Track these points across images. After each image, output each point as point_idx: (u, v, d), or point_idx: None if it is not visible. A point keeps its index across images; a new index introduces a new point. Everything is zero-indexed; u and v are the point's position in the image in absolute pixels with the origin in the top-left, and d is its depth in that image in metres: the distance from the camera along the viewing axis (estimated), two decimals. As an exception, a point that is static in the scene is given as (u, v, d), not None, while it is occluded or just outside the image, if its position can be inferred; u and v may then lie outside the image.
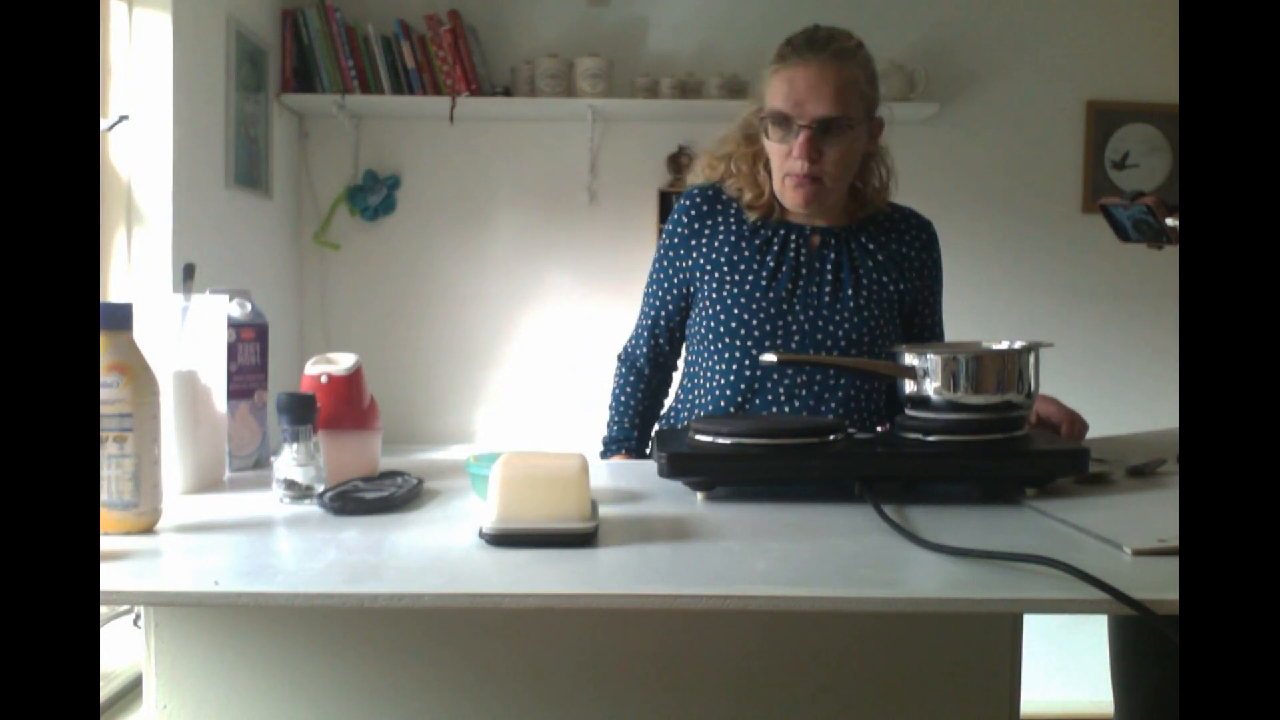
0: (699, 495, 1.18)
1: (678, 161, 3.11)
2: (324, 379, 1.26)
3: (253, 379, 1.37)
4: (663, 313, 1.68)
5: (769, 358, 1.30)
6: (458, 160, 3.11)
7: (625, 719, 1.18)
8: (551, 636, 1.17)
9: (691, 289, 1.64)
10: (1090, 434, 1.48)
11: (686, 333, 1.68)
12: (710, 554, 0.95)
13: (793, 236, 1.59)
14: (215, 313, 1.29)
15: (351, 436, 1.27)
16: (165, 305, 1.30)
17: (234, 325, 1.33)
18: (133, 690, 1.95)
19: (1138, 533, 0.97)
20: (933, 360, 1.22)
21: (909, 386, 1.26)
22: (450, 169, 3.11)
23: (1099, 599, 0.81)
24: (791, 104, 1.48)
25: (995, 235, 3.16)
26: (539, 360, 3.15)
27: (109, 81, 2.21)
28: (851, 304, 1.56)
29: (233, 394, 1.32)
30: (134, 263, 2.25)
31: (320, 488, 1.15)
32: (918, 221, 1.66)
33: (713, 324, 1.58)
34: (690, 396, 1.66)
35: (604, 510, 1.08)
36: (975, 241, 3.15)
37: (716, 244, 1.61)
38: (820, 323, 1.55)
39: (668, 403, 1.76)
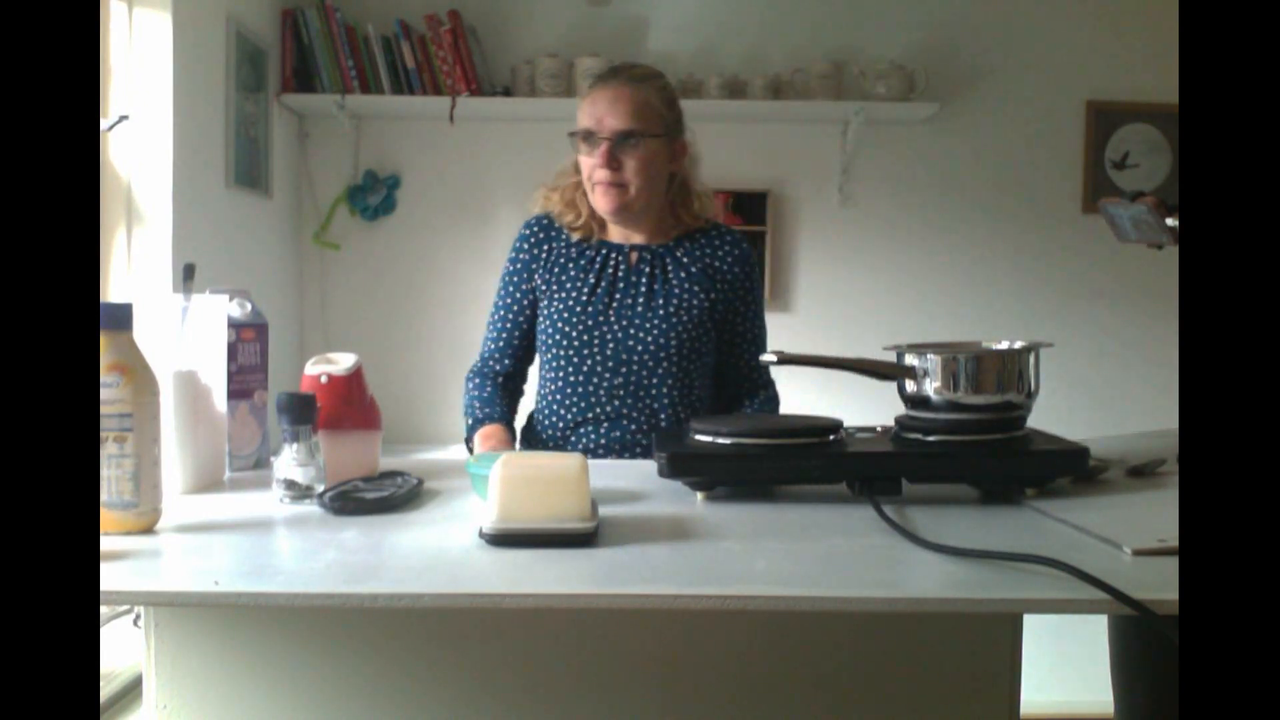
0: (699, 495, 1.18)
1: (678, 161, 3.11)
2: (324, 379, 1.26)
3: (253, 379, 1.37)
4: (516, 331, 1.82)
5: (769, 357, 1.30)
6: (458, 160, 3.11)
7: (625, 719, 1.18)
8: (551, 636, 1.17)
9: (535, 309, 1.81)
10: (1090, 434, 1.48)
11: (536, 345, 1.82)
12: (710, 554, 0.95)
13: (613, 255, 1.77)
14: (215, 313, 1.29)
15: (351, 436, 1.27)
16: (165, 305, 1.30)
17: (234, 325, 1.33)
18: (133, 690, 1.95)
19: (1138, 533, 0.97)
20: (933, 360, 1.22)
21: (909, 386, 1.26)
22: (450, 169, 3.11)
23: (1099, 599, 0.81)
24: (594, 121, 1.69)
25: (995, 235, 3.16)
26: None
27: (109, 81, 2.21)
28: (661, 313, 1.72)
29: (233, 394, 1.32)
30: (134, 263, 2.25)
31: (320, 488, 1.15)
32: (731, 239, 1.81)
33: (544, 336, 1.77)
34: (541, 403, 1.81)
35: (604, 510, 1.08)
36: (975, 241, 3.15)
37: (551, 263, 1.78)
38: (632, 330, 1.72)
39: (528, 406, 1.88)
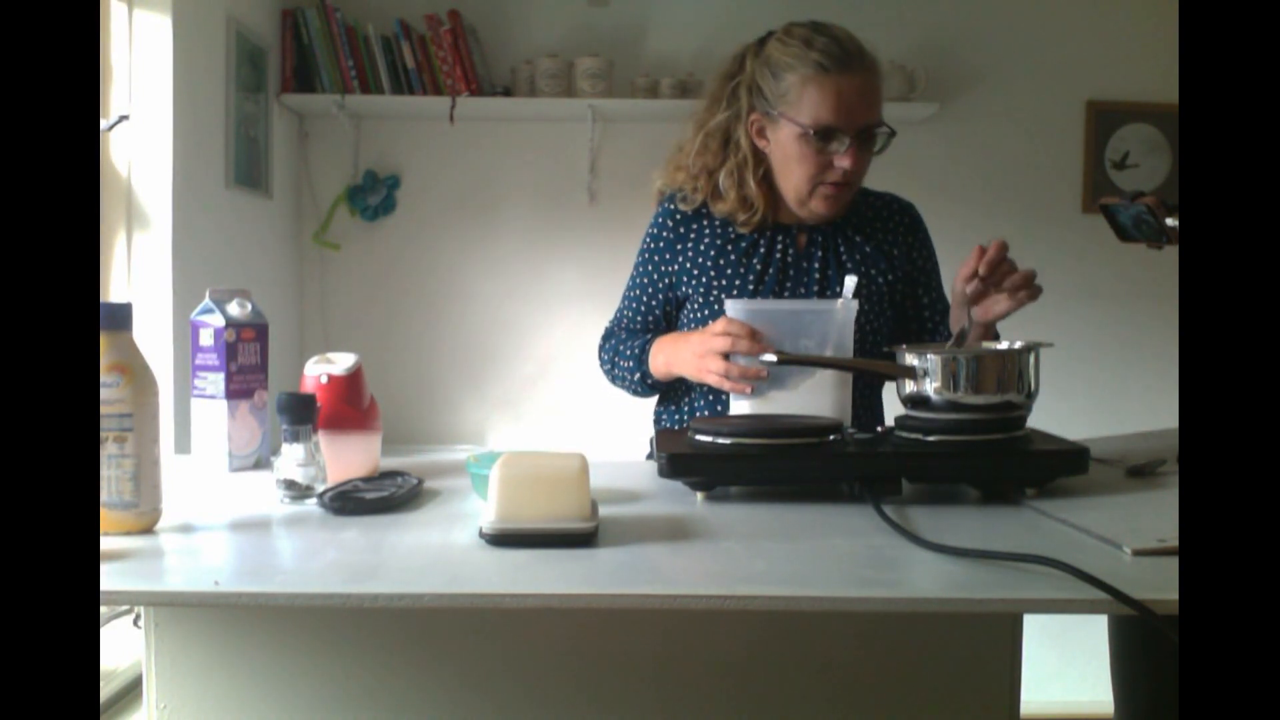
0: (699, 495, 1.18)
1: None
2: (324, 379, 1.26)
3: (253, 379, 1.37)
4: (649, 309, 1.67)
5: (769, 358, 1.30)
6: (458, 160, 3.11)
7: (624, 719, 1.18)
8: (551, 636, 1.17)
9: (677, 293, 1.64)
10: (1090, 434, 1.48)
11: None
12: (710, 554, 0.95)
13: (779, 238, 1.60)
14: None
15: (351, 436, 1.27)
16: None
17: (234, 325, 1.33)
18: (133, 690, 1.95)
19: (1138, 533, 0.97)
20: (933, 360, 1.22)
21: (909, 386, 1.26)
22: (450, 169, 3.11)
23: (1099, 599, 0.81)
24: (843, 117, 1.48)
25: (995, 235, 3.14)
26: (539, 360, 3.15)
27: (109, 81, 2.21)
28: None
29: (232, 394, 1.32)
30: (134, 263, 2.25)
31: (320, 488, 1.15)
32: (899, 206, 1.67)
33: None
34: (689, 398, 1.64)
35: (604, 510, 1.08)
36: (975, 241, 3.13)
37: (701, 248, 1.61)
38: None
39: (654, 407, 1.73)
